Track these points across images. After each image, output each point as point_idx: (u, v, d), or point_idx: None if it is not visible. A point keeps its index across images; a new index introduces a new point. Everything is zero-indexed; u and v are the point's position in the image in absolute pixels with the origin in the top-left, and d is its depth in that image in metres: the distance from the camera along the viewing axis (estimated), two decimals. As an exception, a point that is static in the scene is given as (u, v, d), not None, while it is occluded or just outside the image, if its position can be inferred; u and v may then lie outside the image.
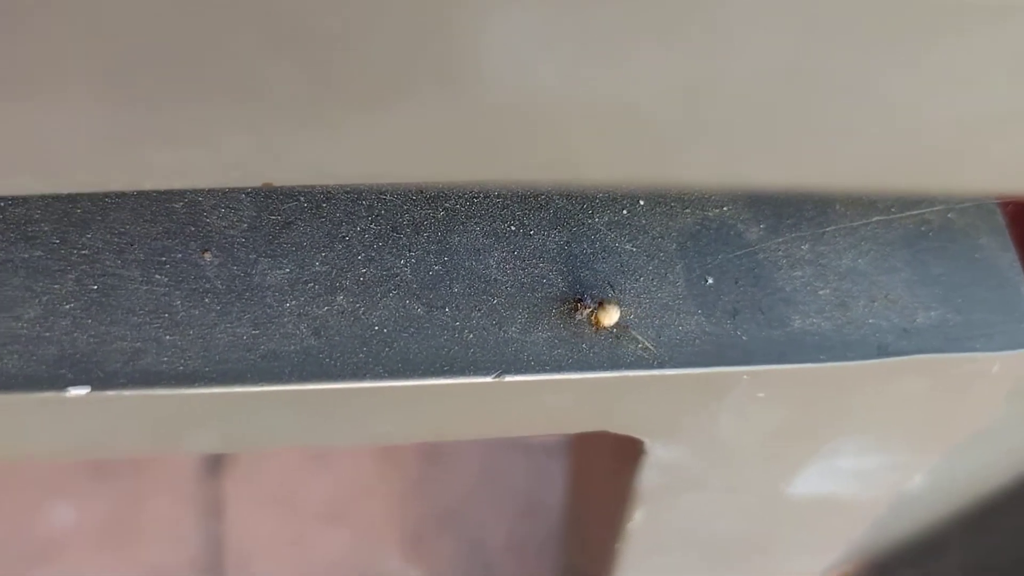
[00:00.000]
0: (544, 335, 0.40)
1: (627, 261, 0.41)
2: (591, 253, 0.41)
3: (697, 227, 0.41)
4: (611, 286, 0.40)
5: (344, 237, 0.39)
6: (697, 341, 0.40)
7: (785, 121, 0.28)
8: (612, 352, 0.40)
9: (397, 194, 0.39)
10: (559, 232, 0.41)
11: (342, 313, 0.38)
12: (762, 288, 0.41)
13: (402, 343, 0.38)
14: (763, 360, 0.40)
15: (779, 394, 0.45)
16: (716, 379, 0.40)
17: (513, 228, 0.41)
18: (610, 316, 0.38)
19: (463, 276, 0.40)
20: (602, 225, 0.41)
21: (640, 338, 0.41)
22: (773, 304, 0.41)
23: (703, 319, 0.41)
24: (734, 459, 0.51)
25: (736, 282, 0.42)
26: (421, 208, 0.40)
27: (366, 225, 0.39)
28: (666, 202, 0.42)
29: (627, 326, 0.41)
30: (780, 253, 0.42)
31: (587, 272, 0.41)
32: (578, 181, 0.38)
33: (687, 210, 0.41)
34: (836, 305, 0.41)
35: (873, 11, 0.22)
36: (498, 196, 0.40)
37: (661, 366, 0.39)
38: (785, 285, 0.42)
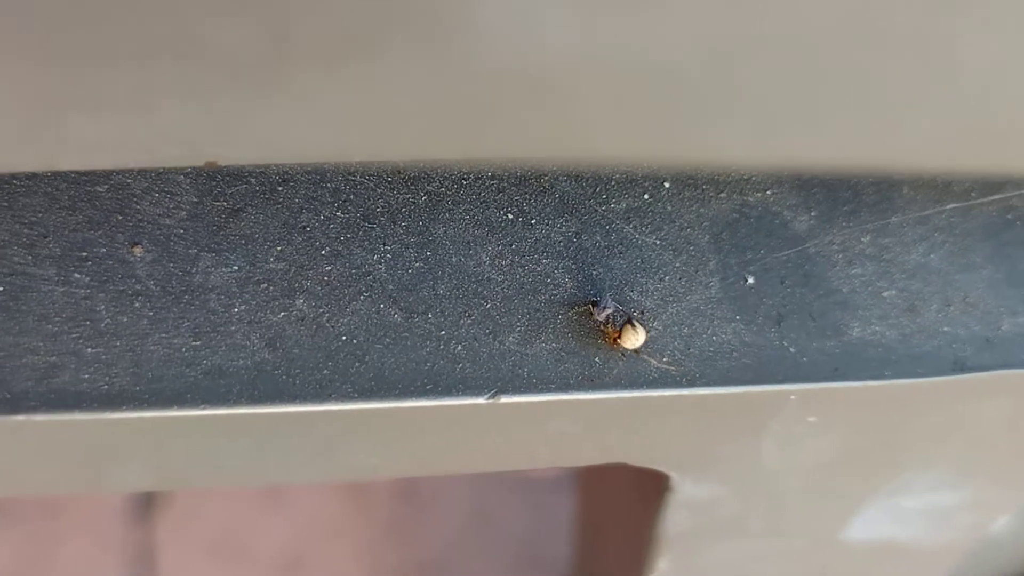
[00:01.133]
0: (548, 347, 0.40)
1: (649, 256, 0.41)
2: (606, 247, 0.41)
3: (734, 215, 0.42)
4: (630, 287, 0.41)
5: (305, 228, 0.39)
6: (734, 354, 0.40)
7: (841, 84, 0.28)
8: (631, 368, 0.40)
9: (369, 175, 0.39)
10: (566, 221, 0.41)
11: (302, 320, 0.39)
12: (813, 289, 0.42)
13: (375, 357, 0.39)
14: (814, 377, 0.40)
15: (834, 418, 0.44)
16: (757, 400, 0.41)
17: (511, 216, 0.41)
18: (634, 339, 0.39)
19: (450, 275, 0.40)
20: (619, 213, 0.42)
21: (653, 360, 0.41)
22: (827, 308, 0.41)
23: (742, 327, 0.42)
24: (779, 497, 0.50)
25: (782, 282, 0.42)
26: (398, 192, 0.40)
27: (331, 213, 0.39)
28: (697, 185, 0.42)
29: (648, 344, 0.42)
30: (835, 247, 0.42)
31: (601, 270, 0.41)
32: (590, 159, 0.38)
33: (722, 194, 0.42)
34: (903, 310, 0.41)
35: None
36: (492, 177, 0.40)
37: (691, 384, 0.40)
38: (841, 285, 0.42)
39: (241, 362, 0.37)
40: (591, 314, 0.40)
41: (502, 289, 0.41)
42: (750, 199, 0.42)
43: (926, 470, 0.46)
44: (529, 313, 0.41)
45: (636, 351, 0.39)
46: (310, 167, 0.39)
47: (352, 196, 0.40)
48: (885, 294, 0.42)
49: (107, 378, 0.35)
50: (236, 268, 0.38)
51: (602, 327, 0.40)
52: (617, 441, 0.43)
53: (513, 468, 0.45)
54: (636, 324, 0.39)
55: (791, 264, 0.42)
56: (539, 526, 1.11)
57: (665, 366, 0.40)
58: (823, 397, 0.41)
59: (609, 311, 0.40)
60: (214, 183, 0.38)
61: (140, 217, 0.37)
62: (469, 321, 0.40)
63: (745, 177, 0.42)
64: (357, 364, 0.39)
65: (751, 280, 0.42)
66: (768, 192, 0.42)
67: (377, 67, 0.26)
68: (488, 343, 0.40)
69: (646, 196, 0.42)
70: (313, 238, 0.39)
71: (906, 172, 0.41)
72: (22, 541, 1.01)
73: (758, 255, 0.42)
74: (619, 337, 0.39)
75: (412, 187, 0.40)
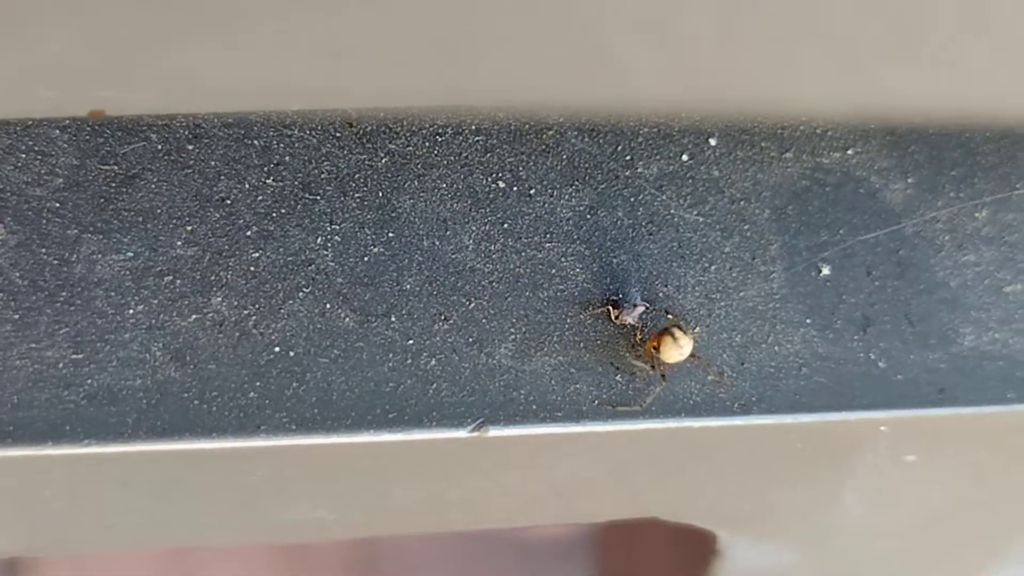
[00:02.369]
0: (553, 361, 0.40)
1: (690, 239, 0.42)
2: (630, 226, 0.41)
3: (804, 183, 0.42)
4: (663, 280, 0.41)
5: (224, 200, 0.39)
6: (804, 370, 0.41)
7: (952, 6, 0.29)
8: (666, 389, 0.40)
9: (311, 129, 0.40)
10: (578, 191, 0.42)
11: (220, 325, 0.39)
12: (911, 283, 0.42)
13: (319, 374, 0.39)
14: (913, 401, 0.41)
15: (940, 457, 0.44)
16: (836, 433, 0.41)
17: (502, 185, 0.41)
18: (676, 352, 0.39)
19: (420, 264, 0.41)
20: (648, 179, 0.42)
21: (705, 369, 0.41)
22: (930, 309, 0.42)
23: (814, 333, 0.42)
24: (867, 566, 0.50)
25: (868, 273, 0.42)
26: (350, 152, 0.41)
27: (259, 180, 0.40)
28: (753, 142, 0.42)
29: (696, 354, 0.42)
30: (940, 225, 0.42)
31: (624, 257, 0.41)
32: (611, 106, 0.39)
33: (787, 154, 0.42)
34: (1033, 311, 0.41)
35: None
36: (477, 132, 0.41)
37: (745, 411, 0.40)
38: (949, 278, 0.42)
39: (138, 382, 0.38)
40: (611, 317, 0.41)
41: (490, 283, 0.41)
42: (825, 161, 0.42)
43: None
44: (527, 316, 0.41)
45: (673, 367, 0.40)
46: (231, 118, 0.39)
47: (288, 158, 0.40)
48: (1008, 289, 0.42)
49: (-47, 403, 0.35)
50: (131, 255, 0.38)
51: (634, 335, 0.41)
52: (648, 489, 0.44)
53: (509, 526, 0.50)
54: (678, 330, 0.39)
55: (881, 249, 0.42)
56: (544, 606, 1.11)
57: (713, 384, 0.41)
58: (926, 428, 0.41)
59: (637, 312, 0.41)
60: (101, 140, 0.38)
61: (0, 186, 0.37)
62: (446, 326, 0.41)
63: (819, 131, 0.42)
64: (295, 384, 0.39)
65: (826, 270, 0.42)
66: (850, 151, 0.43)
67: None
68: (472, 356, 0.41)
69: (685, 157, 0.42)
70: (235, 214, 0.39)
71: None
72: None
73: (836, 237, 0.42)
74: (657, 348, 0.40)
75: (368, 145, 0.41)
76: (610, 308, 0.41)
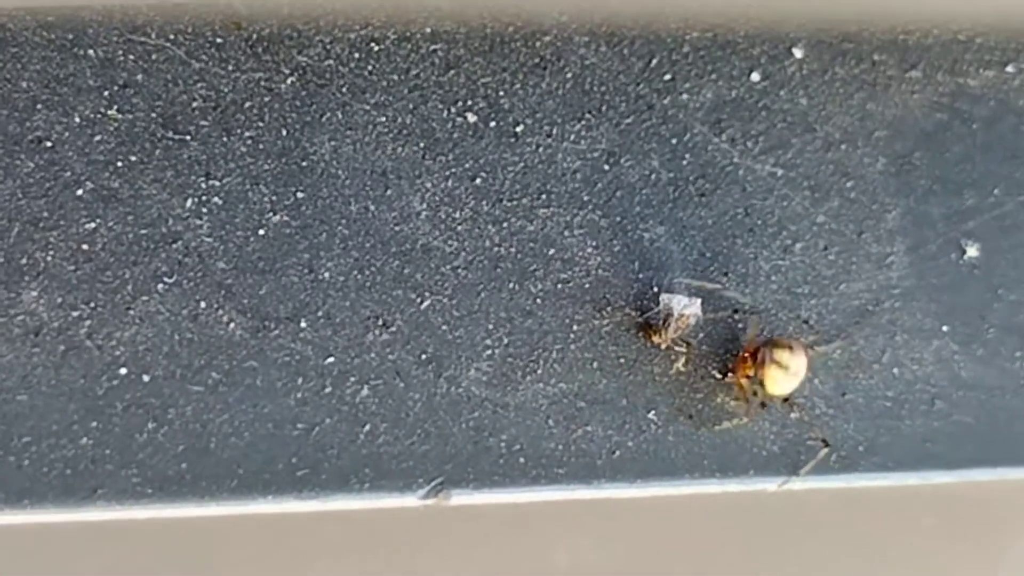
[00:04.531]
0: (550, 390, 0.36)
1: (763, 202, 0.37)
2: (671, 182, 0.37)
3: (940, 116, 0.38)
4: (721, 262, 0.37)
5: (42, 141, 0.35)
6: (938, 404, 0.37)
7: None
8: (727, 437, 0.36)
9: (178, 33, 0.36)
10: (590, 129, 0.37)
11: (35, 333, 0.35)
12: None
13: (188, 410, 0.34)
14: None
15: None
16: (987, 500, 0.38)
17: (471, 118, 0.37)
18: (783, 379, 0.35)
19: (344, 240, 0.36)
20: (698, 111, 0.38)
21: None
22: None
23: (954, 347, 0.38)
24: None
25: None
26: (239, 68, 0.36)
27: (97, 110, 0.35)
28: (859, 53, 0.39)
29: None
30: None
31: (661, 230, 0.36)
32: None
33: (913, 72, 0.38)
34: None
35: None
36: (432, 39, 0.37)
37: (847, 467, 0.37)
38: None
39: None
40: (648, 324, 0.36)
41: (454, 270, 0.36)
42: (972, 83, 0.38)
43: None
44: (510, 320, 0.36)
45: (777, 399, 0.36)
46: (51, 16, 0.36)
47: (140, 77, 0.36)
48: None
49: None
50: None
51: (685, 350, 0.36)
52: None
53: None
54: (785, 349, 0.35)
55: None
56: None
57: (799, 425, 0.36)
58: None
59: (688, 310, 0.36)
60: None
61: None
62: (385, 336, 0.36)
63: (961, 38, 0.38)
64: (152, 426, 0.34)
65: (973, 250, 0.38)
66: (1009, 68, 0.38)
67: None
68: (425, 382, 0.36)
69: (755, 77, 0.38)
70: (59, 163, 0.35)
71: None
72: None
73: (987, 199, 0.38)
74: (762, 370, 0.35)
75: (267, 59, 0.36)
76: (649, 309, 0.36)
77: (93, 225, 0.35)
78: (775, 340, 0.36)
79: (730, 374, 0.37)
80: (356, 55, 0.36)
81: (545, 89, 0.37)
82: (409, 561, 0.39)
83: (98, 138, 0.35)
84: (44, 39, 0.35)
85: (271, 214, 0.36)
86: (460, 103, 0.37)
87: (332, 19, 0.36)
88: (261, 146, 0.36)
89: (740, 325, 0.38)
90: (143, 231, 0.35)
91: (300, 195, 0.36)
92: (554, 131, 0.37)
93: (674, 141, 0.37)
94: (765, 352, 0.36)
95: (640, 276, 0.37)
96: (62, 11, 0.36)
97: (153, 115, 0.36)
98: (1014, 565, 0.41)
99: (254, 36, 0.36)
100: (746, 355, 0.36)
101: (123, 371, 0.35)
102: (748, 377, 0.36)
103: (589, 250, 0.37)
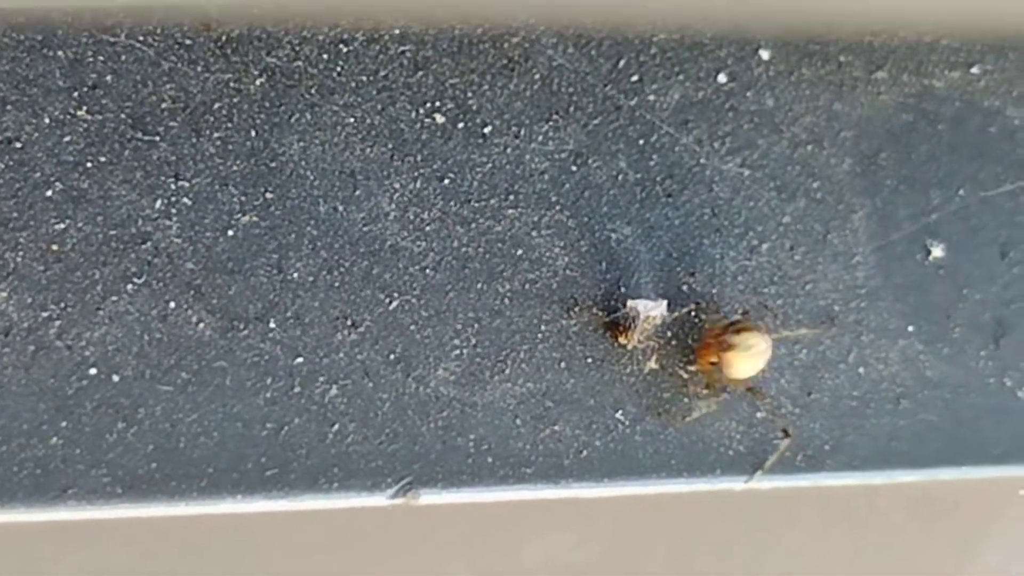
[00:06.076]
0: (519, 390, 0.36)
1: (730, 202, 0.37)
2: (638, 182, 0.37)
3: (905, 116, 0.38)
4: (688, 261, 0.37)
5: (11, 142, 0.35)
6: (904, 403, 0.37)
7: None
8: (695, 436, 0.36)
9: (148, 35, 0.35)
10: (558, 129, 0.38)
11: (5, 334, 0.35)
12: None
13: (158, 410, 0.34)
14: None
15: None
16: (953, 500, 0.38)
17: (440, 119, 0.37)
18: (745, 362, 0.35)
19: (312, 240, 0.36)
20: (665, 111, 0.38)
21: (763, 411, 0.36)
22: None
23: (920, 346, 0.38)
24: None
25: (1003, 254, 0.38)
26: (208, 69, 0.36)
27: (66, 111, 0.35)
28: (826, 54, 0.39)
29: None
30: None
31: (628, 230, 0.37)
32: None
33: (879, 73, 0.38)
34: None
35: None
36: (401, 40, 0.37)
37: (814, 467, 0.37)
38: None
39: None
40: (615, 323, 0.36)
41: (422, 270, 0.37)
42: (938, 84, 0.38)
43: None
44: (479, 320, 0.37)
45: (741, 384, 0.37)
46: (22, 16, 0.36)
47: (110, 78, 0.36)
48: None
49: None
50: None
51: (639, 346, 0.37)
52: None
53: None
54: (751, 332, 0.35)
55: (1022, 217, 0.38)
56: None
57: (765, 424, 0.35)
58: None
59: (652, 312, 0.36)
60: None
61: None
62: (354, 336, 0.36)
63: (927, 40, 0.39)
64: (121, 426, 0.34)
65: (938, 250, 0.38)
66: (974, 70, 0.38)
67: None
68: (393, 382, 0.36)
69: (722, 78, 0.38)
70: (28, 163, 0.35)
71: None
72: None
73: (953, 198, 0.38)
74: (724, 354, 0.35)
75: (236, 60, 0.37)
76: (615, 308, 0.37)
77: (63, 226, 0.35)
78: (736, 322, 0.36)
79: (695, 364, 0.38)
80: (325, 56, 0.37)
81: (513, 90, 0.37)
82: (378, 561, 0.39)
83: (67, 139, 0.35)
84: (13, 40, 0.35)
85: (240, 215, 0.36)
86: (428, 104, 0.37)
87: (301, 20, 0.37)
88: (230, 147, 0.36)
89: (705, 322, 0.39)
90: (112, 231, 0.35)
91: (269, 196, 0.36)
92: (522, 132, 0.37)
93: (641, 142, 0.38)
94: (726, 337, 0.36)
95: (607, 276, 0.37)
96: (31, 12, 0.36)
97: (122, 116, 0.36)
98: (985, 562, 0.40)
99: (223, 37, 0.36)
100: (709, 341, 0.37)
101: (93, 371, 0.35)
102: (712, 364, 0.37)
103: (557, 250, 0.37)
